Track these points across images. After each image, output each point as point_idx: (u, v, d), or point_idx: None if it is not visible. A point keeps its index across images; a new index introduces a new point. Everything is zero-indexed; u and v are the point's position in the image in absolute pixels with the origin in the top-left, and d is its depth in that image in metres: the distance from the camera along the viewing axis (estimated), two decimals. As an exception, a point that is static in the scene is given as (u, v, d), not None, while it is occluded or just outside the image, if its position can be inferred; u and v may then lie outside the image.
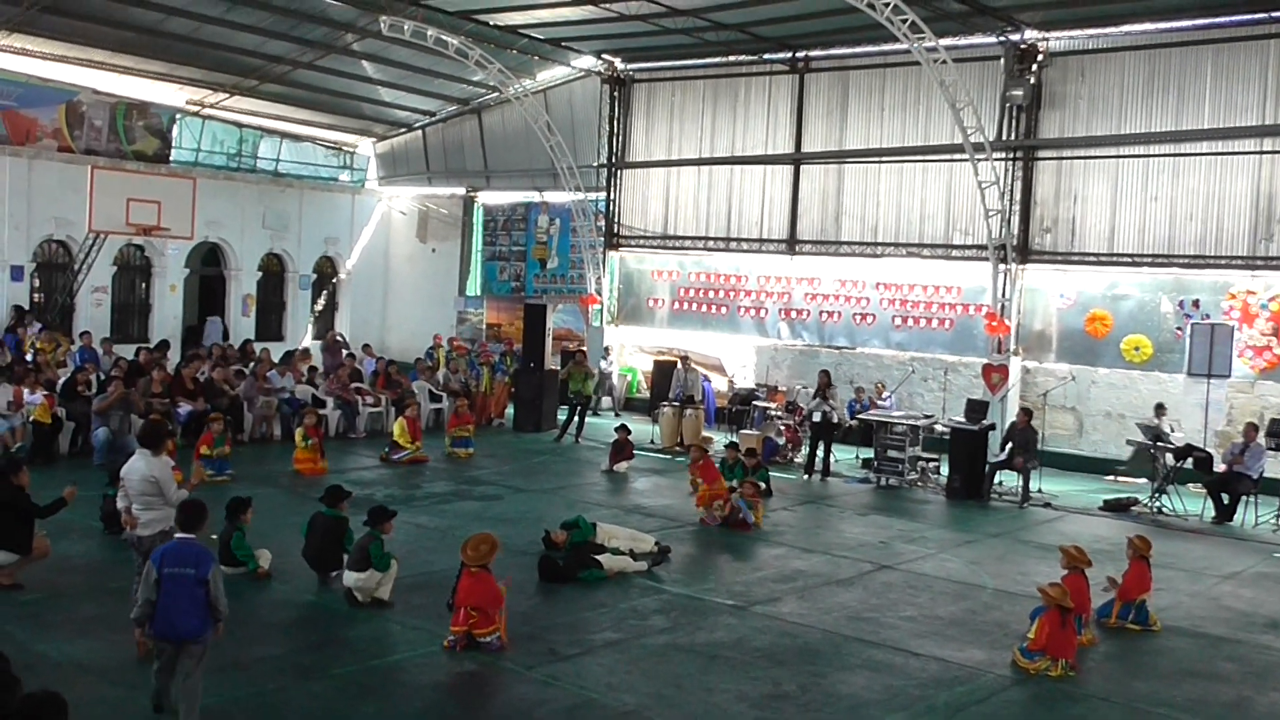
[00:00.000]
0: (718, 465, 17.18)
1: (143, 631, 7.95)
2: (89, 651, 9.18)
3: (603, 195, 27.62)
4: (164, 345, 23.55)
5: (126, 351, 21.76)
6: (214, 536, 11.26)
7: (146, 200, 23.27)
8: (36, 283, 25.33)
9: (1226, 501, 17.26)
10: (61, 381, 18.55)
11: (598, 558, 12.39)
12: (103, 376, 18.88)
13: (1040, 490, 18.16)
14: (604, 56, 26.94)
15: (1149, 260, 20.83)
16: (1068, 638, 9.85)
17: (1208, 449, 18.54)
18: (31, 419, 16.77)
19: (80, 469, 15.80)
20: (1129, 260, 21.03)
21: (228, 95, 27.50)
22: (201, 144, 28.61)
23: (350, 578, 10.73)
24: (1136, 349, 20.96)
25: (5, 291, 24.33)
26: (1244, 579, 13.84)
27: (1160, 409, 19.26)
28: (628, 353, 27.56)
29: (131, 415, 17.17)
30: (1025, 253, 21.85)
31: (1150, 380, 21.03)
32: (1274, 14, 19.32)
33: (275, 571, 11.58)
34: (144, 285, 27.51)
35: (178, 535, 8.15)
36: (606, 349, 27.06)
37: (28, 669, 6.43)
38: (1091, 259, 21.43)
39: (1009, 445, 18.13)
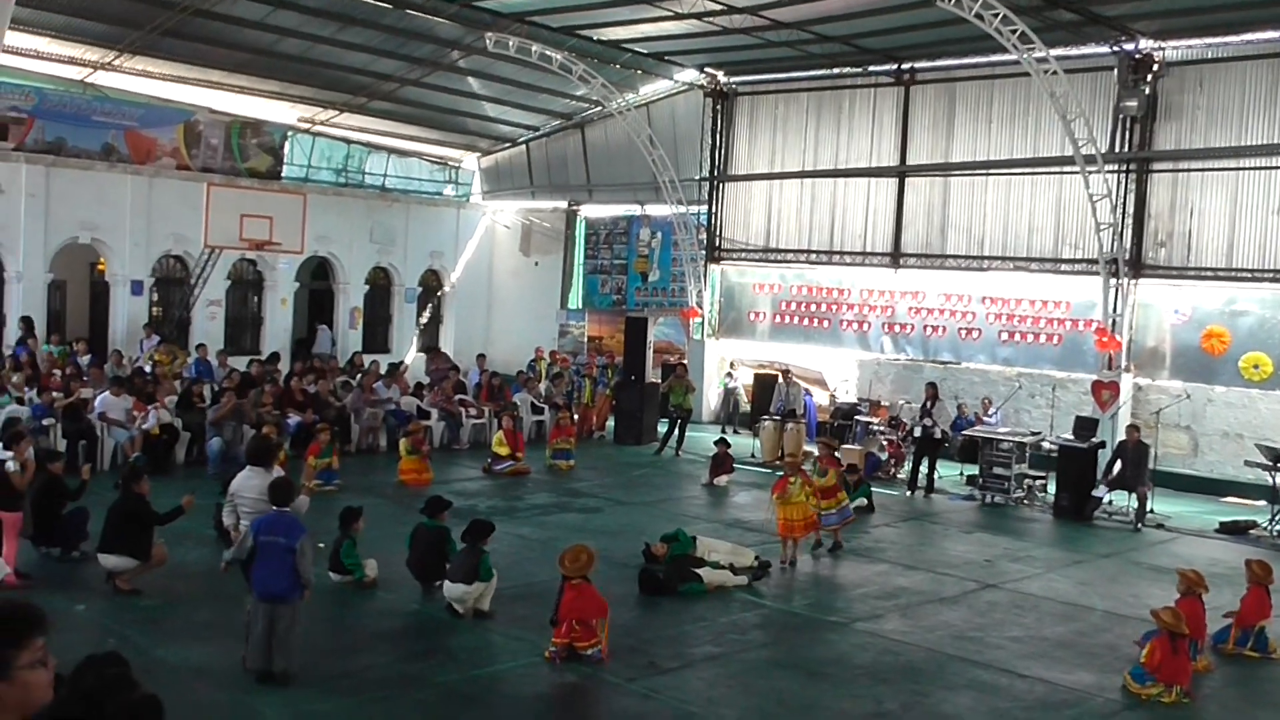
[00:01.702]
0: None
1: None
2: (204, 657, 9.43)
3: (704, 208, 27.61)
4: (275, 358, 24.12)
5: (239, 364, 22.36)
6: (320, 545, 11.49)
7: (259, 216, 23.85)
8: (155, 297, 26.16)
9: (1352, 525, 16.62)
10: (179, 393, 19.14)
11: (698, 571, 12.37)
12: (217, 388, 19.43)
13: (1153, 511, 17.66)
14: (707, 70, 26.97)
15: (1270, 275, 20.13)
16: (1181, 663, 9.56)
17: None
18: (142, 428, 17.33)
19: (195, 478, 16.25)
20: (1249, 275, 20.35)
21: (338, 112, 28.15)
22: (312, 160, 29.33)
23: (456, 590, 10.81)
24: (1256, 367, 20.27)
25: (126, 305, 25.18)
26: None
27: None
28: (725, 366, 27.48)
29: (244, 426, 17.63)
30: (1138, 267, 21.30)
31: (1271, 399, 20.33)
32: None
33: (381, 581, 11.77)
34: (256, 299, 28.23)
35: (273, 508, 9.26)
36: (732, 365, 27.05)
37: (146, 673, 6.58)
38: (1209, 274, 20.79)
39: (1118, 463, 17.65)
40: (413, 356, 30.17)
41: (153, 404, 17.75)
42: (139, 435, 17.23)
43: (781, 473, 14.32)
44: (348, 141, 30.13)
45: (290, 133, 28.68)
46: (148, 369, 20.85)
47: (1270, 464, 17.48)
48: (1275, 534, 16.90)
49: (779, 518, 13.71)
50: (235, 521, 10.36)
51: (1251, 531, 17.08)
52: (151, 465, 15.63)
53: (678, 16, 21.67)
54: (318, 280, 30.26)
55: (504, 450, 19.10)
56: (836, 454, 15.98)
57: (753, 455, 21.68)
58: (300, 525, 9.08)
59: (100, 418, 17.20)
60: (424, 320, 32.11)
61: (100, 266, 26.03)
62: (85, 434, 16.92)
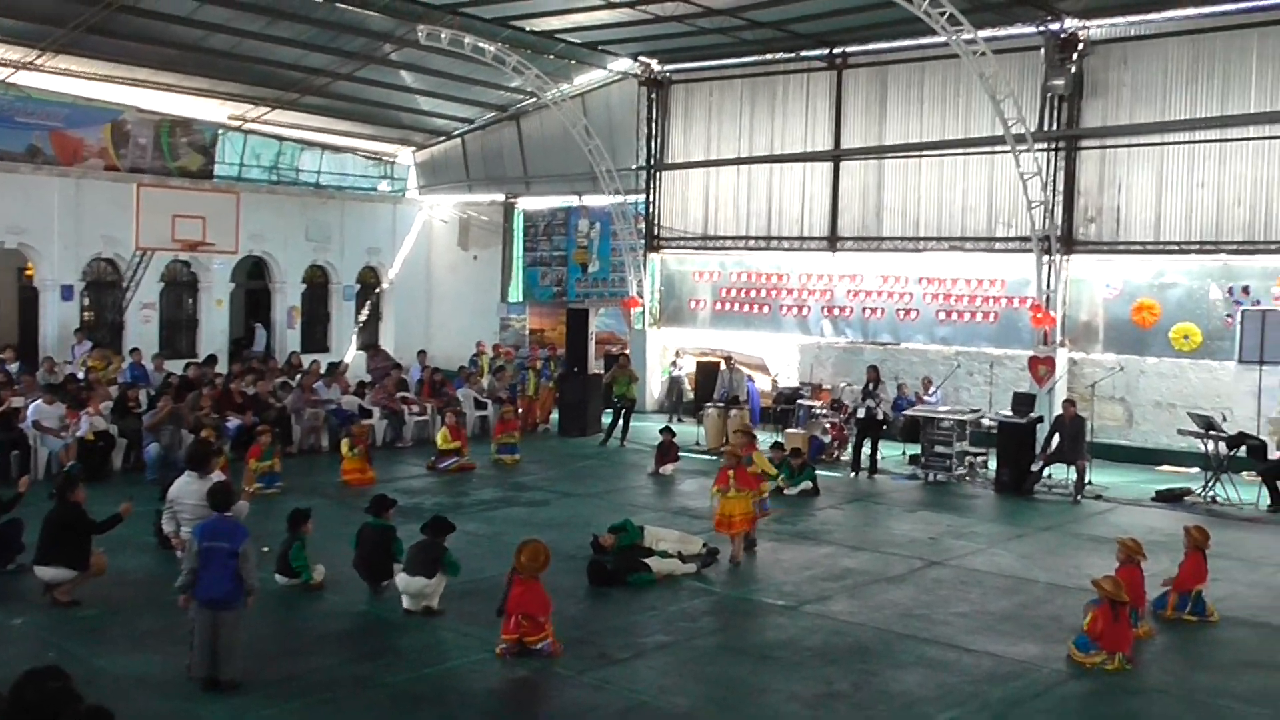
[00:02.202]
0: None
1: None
2: (147, 665, 9.30)
3: (642, 197, 27.62)
4: (212, 360, 23.81)
5: (175, 367, 22.03)
6: (265, 549, 11.37)
7: (191, 216, 23.53)
8: (86, 301, 25.68)
9: (1283, 489, 17.01)
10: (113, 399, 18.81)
11: (646, 561, 12.40)
12: (153, 393, 19.11)
13: (1090, 482, 17.95)
14: (640, 59, 26.95)
15: (1196, 247, 20.55)
16: (1122, 630, 9.74)
17: (1261, 437, 18.27)
18: (76, 435, 17.01)
19: (133, 485, 16.00)
20: (1176, 248, 20.75)
21: (269, 109, 27.76)
22: (244, 159, 28.93)
23: (415, 583, 10.69)
24: (1185, 337, 20.68)
25: (56, 311, 24.69)
26: (1303, 568, 13.63)
27: None
28: (669, 355, 27.56)
29: (182, 430, 17.39)
30: (1069, 243, 21.62)
31: (1200, 369, 20.75)
32: (1319, -6, 19.06)
33: (327, 582, 11.66)
34: (191, 301, 27.82)
35: (213, 514, 9.16)
36: (677, 353, 27.09)
37: (87, 684, 6.51)
38: (1137, 248, 21.17)
39: (1056, 438, 17.91)
40: (353, 355, 29.93)
41: (85, 410, 17.43)
42: (73, 443, 16.92)
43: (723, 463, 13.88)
44: (280, 139, 29.73)
45: (221, 131, 28.26)
46: (80, 375, 20.48)
47: (1202, 432, 17.87)
48: (1209, 500, 17.27)
49: (717, 512, 13.26)
50: (175, 528, 10.22)
51: (1187, 499, 17.43)
52: (87, 473, 15.38)
53: (611, 5, 21.65)
54: (254, 280, 29.88)
55: (449, 446, 19.00)
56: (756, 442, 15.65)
57: (697, 443, 21.75)
58: (242, 529, 9.00)
59: (33, 426, 16.87)
60: (363, 318, 31.84)
61: (28, 271, 25.51)
62: (18, 444, 16.61)
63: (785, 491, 17.17)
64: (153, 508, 12.55)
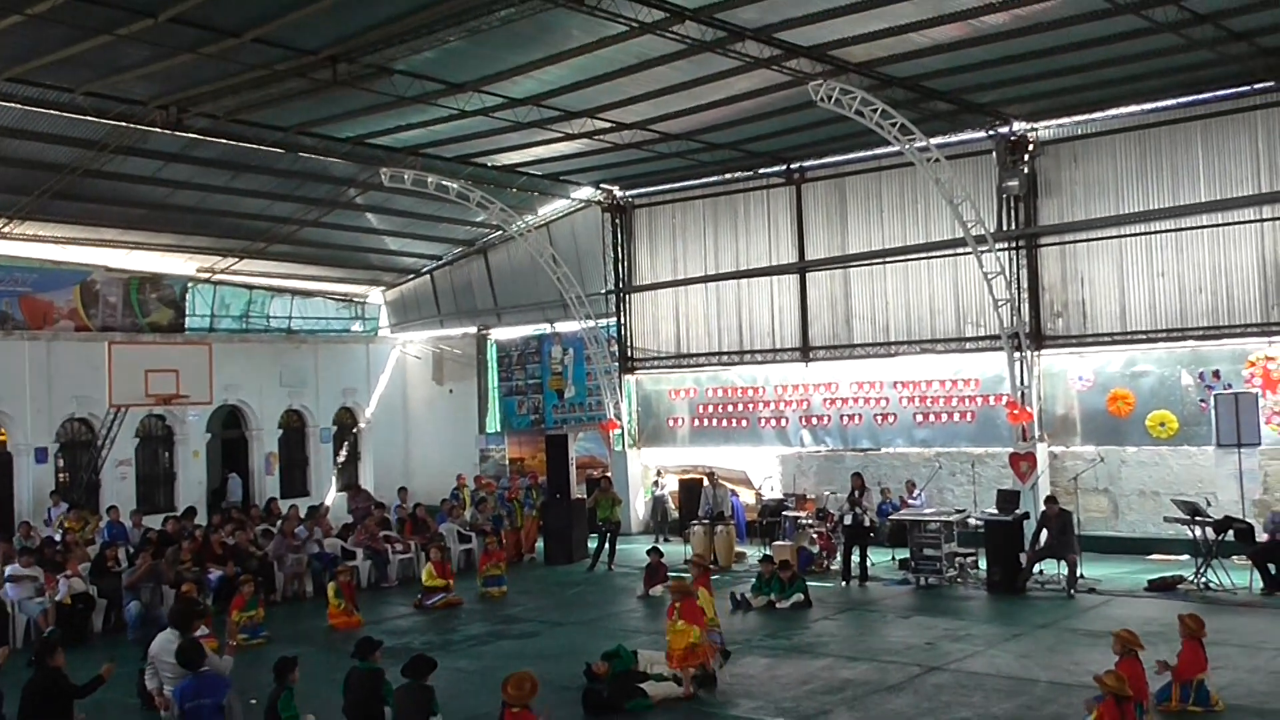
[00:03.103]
0: (753, 582, 17.08)
1: None
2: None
3: (613, 320, 27.85)
4: (190, 512, 23.56)
5: (154, 522, 21.78)
6: (253, 701, 11.11)
7: (164, 370, 23.49)
8: (61, 463, 25.47)
9: (1275, 571, 16.95)
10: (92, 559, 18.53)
11: (642, 686, 12.19)
12: (132, 550, 18.85)
13: (1082, 576, 17.85)
14: (602, 186, 27.42)
15: (1163, 335, 20.81)
16: (1130, 727, 9.58)
17: (1247, 519, 18.28)
18: (54, 599, 16.71)
19: (114, 645, 15.68)
20: (1143, 337, 21.01)
21: (237, 259, 28.00)
22: (214, 309, 29.05)
23: None
24: (1162, 424, 20.79)
25: (30, 474, 24.46)
26: (1303, 648, 13.52)
27: None
28: (651, 475, 27.44)
29: (163, 586, 17.12)
30: (1039, 339, 21.87)
31: (1180, 455, 20.81)
32: (1256, 86, 19.64)
33: (318, 732, 11.38)
34: (167, 454, 27.65)
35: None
36: (659, 473, 26.99)
37: None
38: (1106, 339, 21.43)
39: (1044, 533, 17.86)
40: (333, 497, 29.67)
41: (63, 573, 17.15)
42: (51, 607, 16.60)
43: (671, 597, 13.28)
44: (249, 287, 29.90)
45: (190, 284, 28.44)
46: (57, 537, 20.20)
47: (1188, 518, 17.86)
48: (1203, 586, 17.18)
49: (677, 648, 12.52)
50: (159, 686, 9.99)
51: (1180, 586, 17.35)
52: (67, 636, 14.99)
53: (569, 137, 22.07)
54: (230, 429, 29.76)
55: (435, 583, 18.76)
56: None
57: (686, 562, 21.47)
58: (223, 681, 8.81)
59: (9, 583, 16.57)
60: (341, 459, 31.69)
61: (1, 437, 25.34)
62: (-5, 612, 16.30)
63: (777, 605, 17.06)
64: (135, 667, 12.28)
